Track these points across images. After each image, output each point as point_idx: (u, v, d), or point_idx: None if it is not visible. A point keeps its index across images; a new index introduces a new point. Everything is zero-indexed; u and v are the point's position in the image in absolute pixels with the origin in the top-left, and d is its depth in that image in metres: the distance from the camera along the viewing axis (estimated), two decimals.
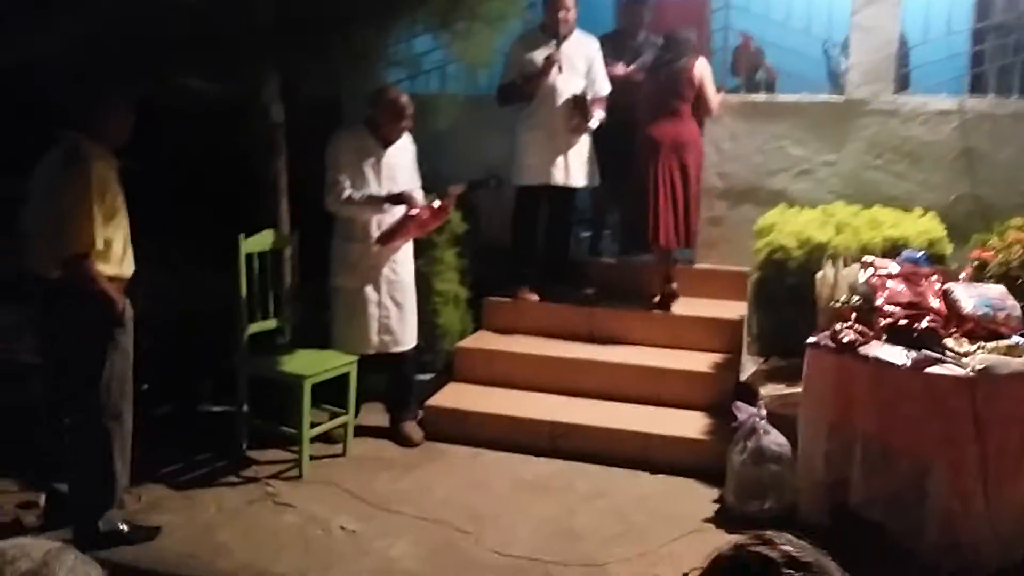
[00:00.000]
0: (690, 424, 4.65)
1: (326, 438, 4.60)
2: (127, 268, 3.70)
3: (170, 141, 4.21)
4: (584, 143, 5.38)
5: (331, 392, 4.53)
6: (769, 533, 1.13)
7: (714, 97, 5.24)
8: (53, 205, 3.53)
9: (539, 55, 5.20)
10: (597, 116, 5.31)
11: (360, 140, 4.57)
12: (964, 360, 3.55)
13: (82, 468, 3.67)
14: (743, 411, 4.09)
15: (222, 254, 4.42)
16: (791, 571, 1.07)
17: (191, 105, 4.29)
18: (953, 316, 3.82)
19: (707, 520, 3.96)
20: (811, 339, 3.90)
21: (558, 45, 5.24)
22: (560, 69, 5.21)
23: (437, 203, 4.64)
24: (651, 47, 5.94)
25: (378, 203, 4.53)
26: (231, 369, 4.55)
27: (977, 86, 5.52)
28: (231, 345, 4.52)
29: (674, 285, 5.27)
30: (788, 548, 1.10)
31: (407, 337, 4.77)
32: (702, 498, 4.16)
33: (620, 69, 5.66)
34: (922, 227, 4.64)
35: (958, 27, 5.34)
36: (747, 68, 5.80)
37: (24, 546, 1.01)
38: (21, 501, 3.92)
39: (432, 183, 4.81)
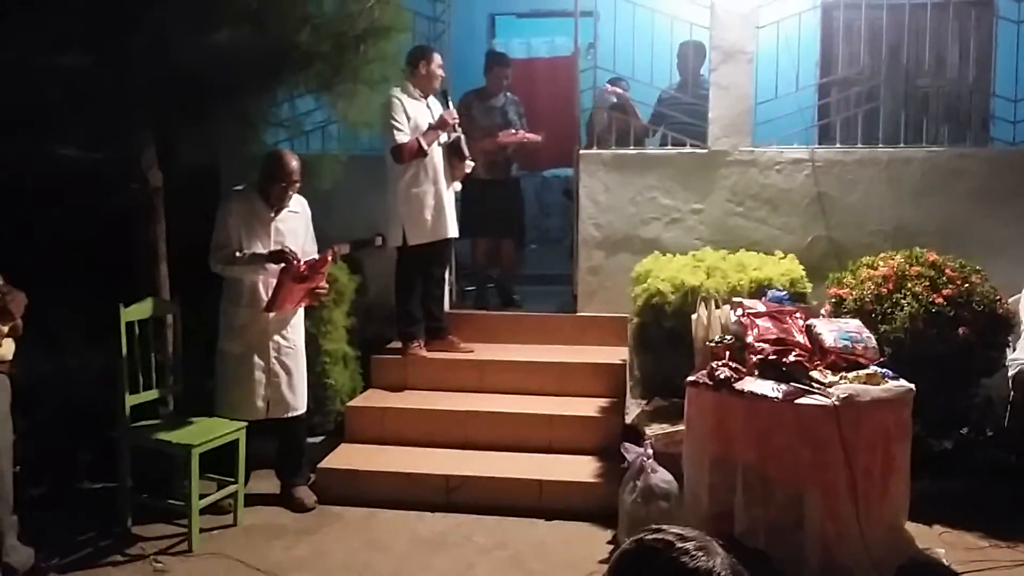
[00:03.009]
0: (581, 468, 4.77)
1: (215, 509, 4.48)
2: (7, 350, 3.61)
3: (45, 209, 4.09)
4: (452, 193, 5.56)
5: (219, 461, 4.43)
6: (656, 525, 1.36)
7: None
8: None
9: (419, 112, 5.34)
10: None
11: (250, 203, 4.55)
12: (829, 390, 3.80)
13: None
14: (631, 452, 4.23)
15: (102, 324, 4.30)
16: (684, 544, 1.29)
17: (67, 173, 4.20)
18: (816, 349, 4.09)
19: (603, 561, 4.04)
20: (690, 378, 4.09)
21: (445, 102, 5.42)
22: (457, 125, 5.37)
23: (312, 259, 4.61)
24: (512, 106, 6.23)
25: (260, 260, 4.49)
26: (113, 442, 4.39)
27: (825, 136, 5.98)
28: (113, 417, 4.37)
29: None
30: (676, 530, 1.33)
31: (298, 402, 4.73)
32: (597, 540, 4.27)
33: (522, 134, 5.98)
34: (783, 268, 4.95)
35: (805, 83, 5.77)
36: (618, 123, 6.09)
37: None
38: None
39: (318, 243, 4.82)
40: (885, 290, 4.63)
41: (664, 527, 1.36)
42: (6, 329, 3.62)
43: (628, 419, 4.94)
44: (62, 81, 4.11)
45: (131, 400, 4.36)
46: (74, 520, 4.38)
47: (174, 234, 4.80)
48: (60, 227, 4.74)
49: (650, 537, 1.33)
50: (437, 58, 5.45)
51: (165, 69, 4.25)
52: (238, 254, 4.47)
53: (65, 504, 4.56)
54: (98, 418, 4.46)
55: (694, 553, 1.29)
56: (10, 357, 3.69)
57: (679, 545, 1.30)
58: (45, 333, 4.33)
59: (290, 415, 4.69)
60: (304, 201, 4.73)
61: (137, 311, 4.41)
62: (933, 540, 4.11)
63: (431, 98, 5.49)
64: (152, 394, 4.51)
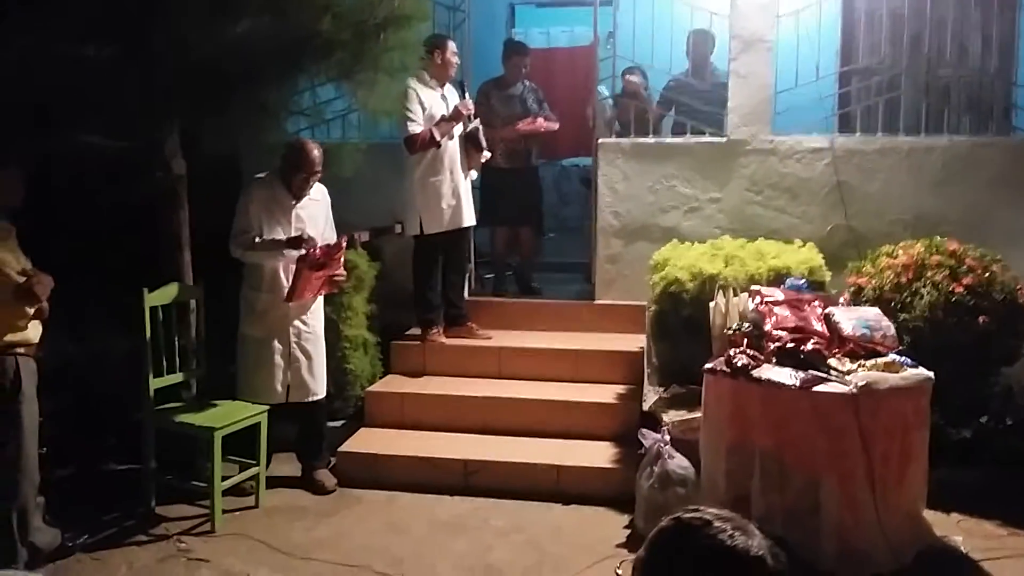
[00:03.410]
0: (599, 454, 4.80)
1: (238, 491, 4.55)
2: (34, 333, 3.68)
3: (71, 197, 4.16)
4: (470, 182, 5.58)
5: (241, 444, 4.50)
6: (693, 506, 1.37)
7: None
8: None
9: (434, 102, 5.36)
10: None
11: (272, 190, 4.61)
12: (847, 378, 3.81)
13: None
14: (648, 438, 4.26)
15: (126, 309, 4.37)
16: (722, 524, 1.30)
17: (92, 161, 4.26)
18: (835, 338, 4.09)
19: (620, 546, 4.09)
20: (707, 365, 4.11)
21: (462, 92, 5.45)
22: (472, 116, 5.39)
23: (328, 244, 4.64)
24: (531, 93, 6.25)
25: (278, 246, 4.55)
26: (137, 425, 4.46)
27: (845, 125, 5.95)
28: (137, 400, 4.44)
29: None
30: (713, 511, 1.35)
31: (318, 387, 4.79)
32: (614, 525, 4.30)
33: (540, 123, 6.00)
34: (802, 257, 4.95)
35: (826, 71, 5.75)
36: (636, 111, 6.09)
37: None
38: None
39: (338, 230, 4.87)
40: (905, 279, 4.62)
41: (700, 506, 1.38)
42: (32, 311, 3.69)
43: (645, 406, 4.96)
44: (88, 72, 4.16)
45: (155, 383, 4.43)
46: (99, 501, 4.46)
47: (197, 221, 4.86)
48: (86, 214, 4.80)
49: (688, 515, 1.34)
50: (452, 46, 5.47)
51: (188, 59, 4.30)
52: (257, 240, 4.53)
53: (90, 485, 4.64)
54: (123, 401, 4.53)
55: (732, 532, 1.30)
56: (36, 340, 3.76)
57: (717, 524, 1.31)
58: (72, 317, 4.40)
59: (310, 399, 4.75)
60: (324, 189, 4.78)
61: (160, 296, 4.48)
62: (951, 528, 4.12)
63: (447, 87, 5.51)
64: (175, 378, 4.58)
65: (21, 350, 3.68)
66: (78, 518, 4.22)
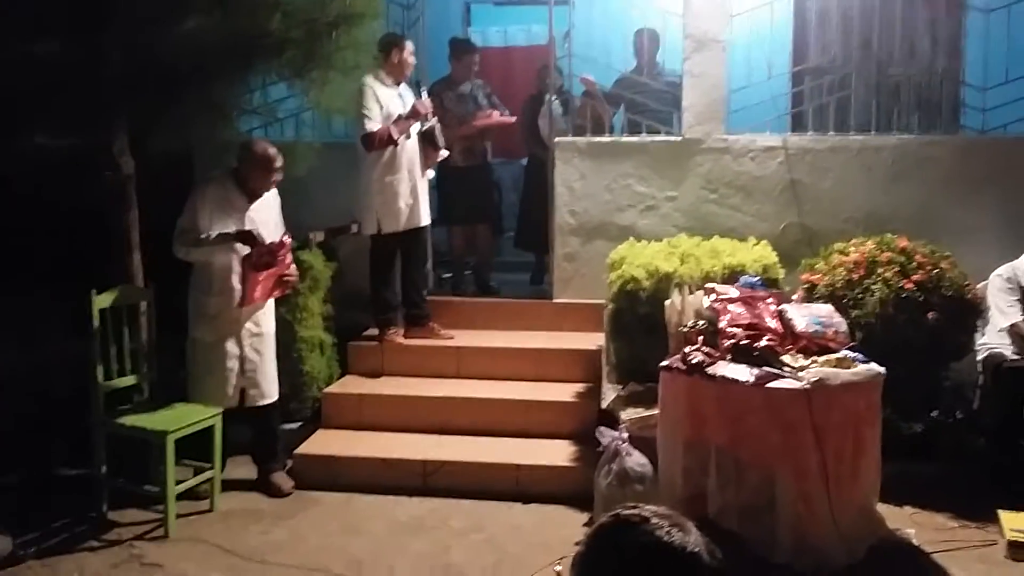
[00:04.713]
0: (558, 453, 4.81)
1: (192, 494, 4.47)
2: None
3: (18, 198, 4.06)
4: (427, 181, 5.56)
5: (195, 446, 4.42)
6: (631, 503, 1.41)
7: None
8: None
9: (391, 100, 5.33)
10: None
11: (225, 191, 4.52)
12: (800, 374, 3.85)
13: None
14: (606, 436, 4.27)
15: (75, 311, 4.28)
16: (659, 520, 1.33)
17: (39, 161, 4.16)
18: (788, 334, 4.14)
19: (578, 544, 4.08)
20: (664, 363, 4.14)
21: (418, 92, 5.42)
22: (430, 115, 5.37)
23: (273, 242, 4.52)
24: (480, 90, 6.25)
25: (227, 240, 4.42)
26: (88, 429, 4.37)
27: (797, 124, 6.03)
28: (87, 404, 4.35)
29: None
30: (652, 508, 1.38)
31: (271, 390, 4.72)
32: (573, 523, 4.31)
33: (495, 116, 5.99)
34: (756, 255, 5.00)
35: (778, 71, 5.82)
36: (592, 112, 6.11)
37: None
38: None
39: (292, 231, 4.81)
40: (856, 276, 4.69)
41: (638, 504, 1.40)
42: None
43: (604, 404, 4.97)
44: (34, 71, 4.07)
45: (105, 387, 4.35)
46: (50, 507, 4.37)
47: (147, 222, 4.77)
48: (34, 215, 4.69)
49: (626, 512, 1.37)
50: (409, 46, 5.44)
51: (137, 57, 4.23)
52: (202, 235, 4.42)
53: (41, 491, 4.54)
54: (74, 404, 4.44)
55: (669, 529, 1.33)
56: None
57: (654, 521, 1.34)
58: (20, 321, 4.31)
59: (265, 401, 4.69)
60: (275, 190, 4.70)
61: (109, 298, 4.39)
62: (904, 521, 4.18)
63: (403, 86, 5.48)
64: (127, 380, 4.49)
65: None
66: (28, 524, 4.13)
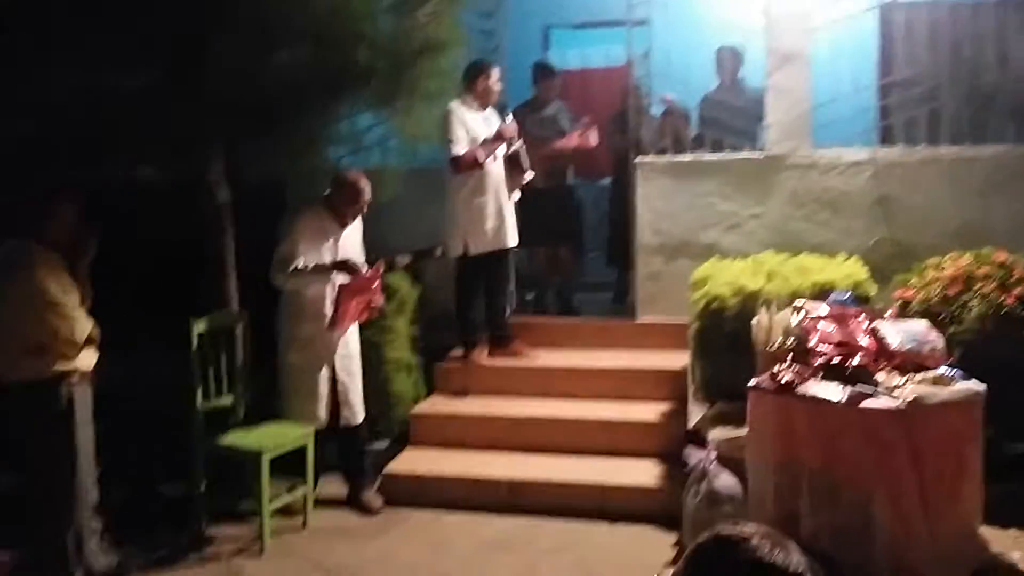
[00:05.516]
0: (644, 473, 4.78)
1: (286, 511, 4.60)
2: (87, 360, 3.79)
3: (119, 226, 4.26)
4: (512, 203, 5.62)
5: (288, 463, 4.55)
6: (732, 522, 1.36)
7: None
8: (2, 315, 3.63)
9: (477, 124, 5.42)
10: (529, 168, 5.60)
11: (319, 220, 4.69)
12: (895, 393, 3.75)
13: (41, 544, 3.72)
14: (694, 456, 4.24)
15: (175, 335, 4.46)
16: (761, 540, 1.29)
17: (140, 190, 4.37)
18: (882, 352, 4.03)
19: (667, 564, 4.05)
20: (752, 382, 4.08)
21: (503, 115, 5.51)
22: (515, 138, 5.44)
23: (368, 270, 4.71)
24: (563, 113, 6.30)
25: (325, 271, 4.61)
26: (187, 448, 4.54)
27: (886, 137, 5.90)
28: (187, 424, 4.52)
29: None
30: (753, 526, 1.33)
31: (360, 408, 4.85)
32: (661, 544, 4.27)
33: (575, 139, 6.03)
34: (847, 271, 4.89)
35: (865, 84, 5.71)
36: (673, 131, 6.10)
37: None
38: None
39: (379, 254, 4.93)
40: (953, 291, 4.55)
41: (739, 523, 1.37)
42: (84, 340, 3.77)
43: (690, 424, 4.93)
44: (134, 103, 4.28)
45: (203, 407, 4.51)
46: (151, 523, 4.54)
47: (242, 247, 4.95)
48: (135, 243, 4.91)
49: (727, 531, 1.34)
50: (495, 72, 5.54)
51: (232, 89, 4.40)
52: (300, 266, 4.58)
53: (143, 508, 4.71)
54: (173, 425, 4.61)
55: (771, 548, 1.29)
56: (91, 367, 3.85)
57: (756, 540, 1.30)
58: (123, 344, 4.51)
59: (356, 421, 4.81)
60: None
61: (208, 322, 4.57)
62: (1008, 544, 4.02)
63: (490, 110, 5.57)
64: (223, 402, 4.66)
65: (75, 378, 3.78)
66: (131, 540, 4.30)
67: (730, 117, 5.93)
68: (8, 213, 3.80)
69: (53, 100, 4.04)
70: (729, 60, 6.13)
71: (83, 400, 3.82)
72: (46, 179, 3.98)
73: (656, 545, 4.26)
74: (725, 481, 4.12)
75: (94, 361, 3.87)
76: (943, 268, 4.69)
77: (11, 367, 3.67)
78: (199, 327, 4.51)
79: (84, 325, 3.78)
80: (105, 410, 4.01)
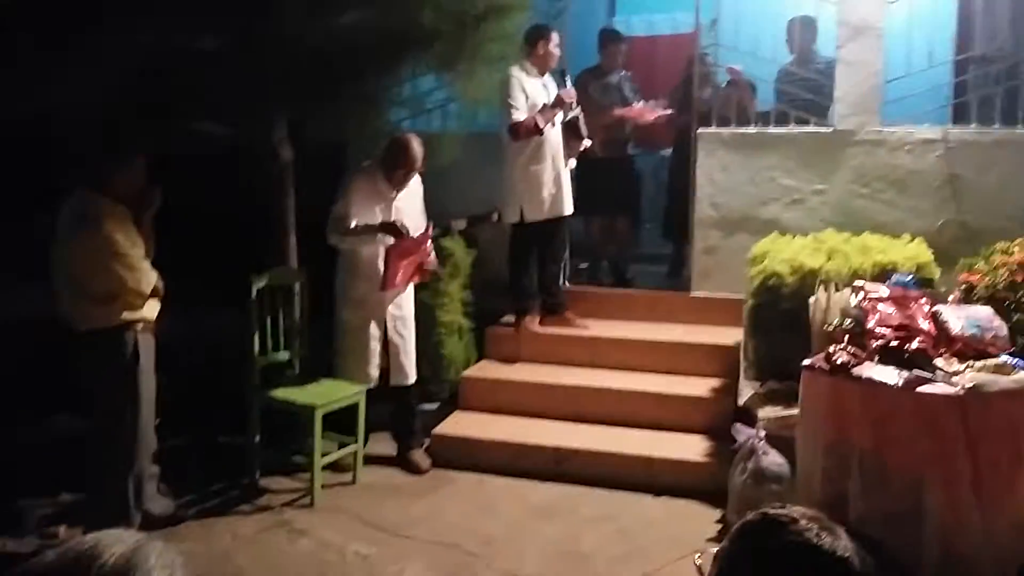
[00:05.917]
0: (691, 447, 4.77)
1: (336, 467, 4.71)
2: (151, 311, 3.90)
3: (183, 182, 4.37)
4: (569, 170, 5.59)
5: (340, 422, 4.65)
6: (778, 503, 1.35)
7: None
8: (72, 266, 3.74)
9: (536, 91, 5.39)
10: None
11: (374, 182, 4.72)
12: (954, 379, 3.67)
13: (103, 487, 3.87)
14: (742, 433, 4.21)
15: (235, 291, 4.56)
16: (808, 522, 1.27)
17: (205, 149, 4.45)
18: (942, 337, 3.94)
19: (710, 540, 4.06)
20: (806, 362, 4.02)
21: (563, 81, 5.46)
22: (574, 104, 5.40)
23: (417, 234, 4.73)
24: (627, 82, 6.21)
25: (372, 232, 4.65)
26: (244, 401, 4.66)
27: (960, 115, 5.70)
28: (243, 378, 4.64)
29: None
30: (800, 509, 1.32)
31: (412, 371, 4.92)
32: (705, 519, 4.27)
33: (635, 110, 5.96)
34: (910, 252, 4.78)
35: (940, 59, 5.52)
36: (738, 102, 5.98)
37: (112, 537, 1.13)
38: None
39: (435, 218, 4.96)
40: (1020, 278, 4.41)
41: (787, 504, 1.36)
42: (150, 291, 3.89)
43: (740, 401, 4.88)
44: (202, 65, 4.35)
45: (260, 361, 4.62)
46: (207, 471, 4.69)
47: (303, 207, 5.02)
48: (200, 200, 5.02)
49: (774, 511, 1.33)
50: (555, 37, 5.48)
51: (296, 50, 4.44)
52: (352, 226, 4.63)
53: (200, 456, 4.87)
54: (231, 377, 4.74)
55: (819, 532, 1.27)
56: (154, 317, 3.97)
57: (803, 522, 1.28)
58: (186, 298, 4.63)
59: (407, 382, 4.88)
60: (419, 179, 4.86)
61: (266, 279, 4.66)
62: None
63: (548, 76, 5.53)
64: (280, 356, 4.77)
65: (140, 326, 3.90)
66: (188, 487, 4.45)
67: (803, 90, 5.78)
68: (78, 165, 3.91)
69: (128, 62, 4.12)
70: (804, 31, 5.97)
71: (147, 348, 3.94)
72: (118, 135, 4.07)
73: (700, 520, 4.26)
74: (773, 459, 4.09)
75: (156, 311, 3.98)
76: (1011, 253, 4.55)
77: (82, 316, 3.80)
78: (258, 283, 4.60)
79: (150, 276, 3.89)
80: (166, 362, 4.13)
